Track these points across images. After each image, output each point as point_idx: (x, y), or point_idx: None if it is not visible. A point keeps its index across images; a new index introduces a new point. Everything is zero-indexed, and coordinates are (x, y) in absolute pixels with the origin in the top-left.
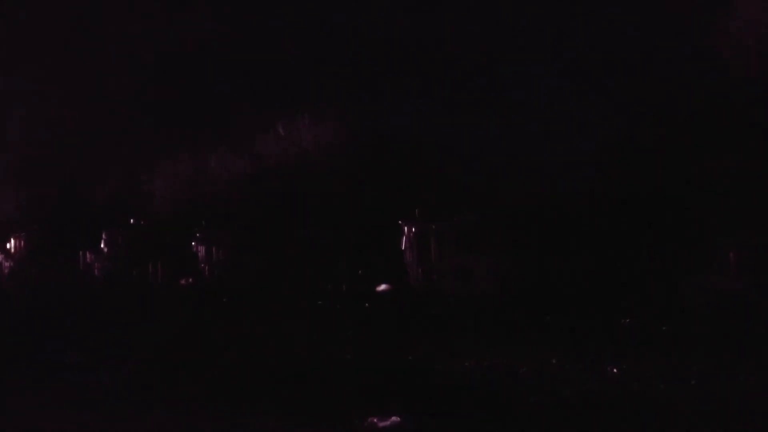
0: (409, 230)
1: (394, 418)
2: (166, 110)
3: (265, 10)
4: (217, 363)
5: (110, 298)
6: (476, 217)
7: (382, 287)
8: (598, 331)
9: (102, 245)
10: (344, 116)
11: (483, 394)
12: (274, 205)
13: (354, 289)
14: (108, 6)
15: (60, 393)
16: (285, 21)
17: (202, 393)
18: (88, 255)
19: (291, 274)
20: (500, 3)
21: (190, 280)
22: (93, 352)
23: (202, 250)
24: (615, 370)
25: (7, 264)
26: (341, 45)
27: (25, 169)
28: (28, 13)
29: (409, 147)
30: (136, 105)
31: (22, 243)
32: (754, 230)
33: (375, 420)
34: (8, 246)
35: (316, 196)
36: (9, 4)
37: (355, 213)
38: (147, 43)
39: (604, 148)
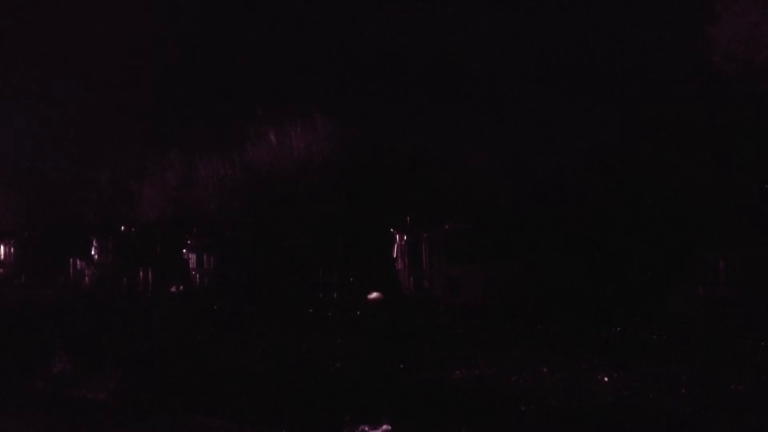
0: (401, 239)
1: (385, 426)
2: (158, 117)
3: (259, 16)
4: (207, 371)
5: (100, 305)
6: (467, 225)
7: (374, 295)
8: (588, 339)
9: (92, 252)
10: (336, 125)
11: (473, 403)
12: (266, 212)
13: (345, 297)
14: (98, 11)
15: (49, 401)
16: (278, 28)
17: (192, 401)
18: (78, 262)
19: (282, 282)
20: (494, 13)
21: (181, 287)
22: (82, 360)
23: (192, 257)
24: (606, 379)
25: None
26: (334, 54)
27: (14, 177)
28: (12, 20)
29: (400, 156)
30: (128, 112)
31: (12, 250)
32: (744, 239)
33: (366, 428)
34: None
35: (308, 204)
36: None
37: (346, 221)
38: (139, 49)
39: (594, 157)
